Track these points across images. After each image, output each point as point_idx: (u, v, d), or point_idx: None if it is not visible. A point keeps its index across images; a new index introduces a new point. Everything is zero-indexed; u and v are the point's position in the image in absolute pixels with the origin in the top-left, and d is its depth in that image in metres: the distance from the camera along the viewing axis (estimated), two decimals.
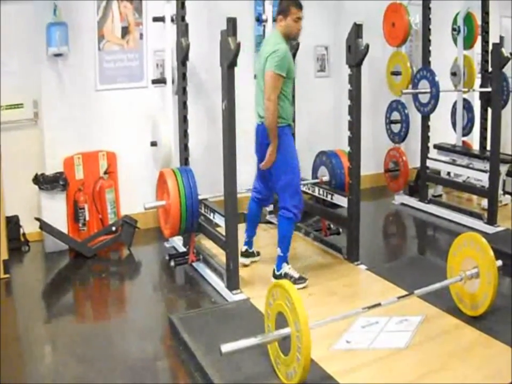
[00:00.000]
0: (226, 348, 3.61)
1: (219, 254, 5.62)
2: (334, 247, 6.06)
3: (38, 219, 6.30)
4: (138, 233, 6.64)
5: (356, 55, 5.37)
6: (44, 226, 6.28)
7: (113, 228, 6.53)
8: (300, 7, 5.15)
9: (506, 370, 3.80)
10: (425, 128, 7.69)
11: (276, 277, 5.21)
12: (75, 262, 6.26)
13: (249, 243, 5.79)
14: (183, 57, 6.13)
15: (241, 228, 5.49)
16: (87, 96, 6.69)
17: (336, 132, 7.89)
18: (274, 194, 5.69)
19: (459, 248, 4.56)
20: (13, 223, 6.43)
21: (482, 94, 7.92)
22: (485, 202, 7.18)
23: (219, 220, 5.46)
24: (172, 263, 5.83)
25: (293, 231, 5.36)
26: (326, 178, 6.44)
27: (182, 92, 6.22)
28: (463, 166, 7.68)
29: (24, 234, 6.55)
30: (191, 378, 4.03)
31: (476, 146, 8.46)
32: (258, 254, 5.86)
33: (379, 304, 4.16)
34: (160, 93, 6.86)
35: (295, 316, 3.56)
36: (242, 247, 5.66)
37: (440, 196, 8.28)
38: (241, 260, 5.54)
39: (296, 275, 5.22)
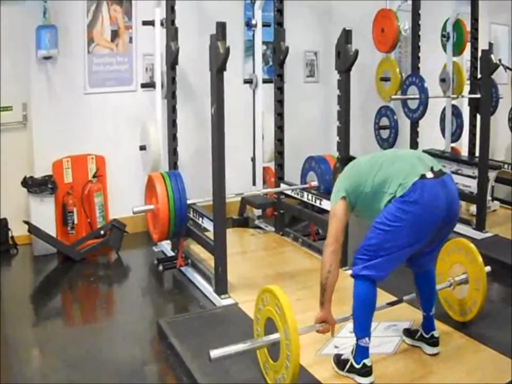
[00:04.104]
0: (215, 353, 3.60)
1: (207, 259, 5.61)
2: (322, 252, 6.04)
3: (26, 222, 6.28)
4: (127, 237, 6.61)
5: (345, 60, 5.38)
6: (33, 229, 6.26)
7: (102, 232, 6.52)
8: None
9: (495, 375, 3.81)
10: (414, 134, 7.69)
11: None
12: (63, 266, 6.24)
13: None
14: (172, 61, 6.13)
15: (229, 233, 5.48)
16: (76, 100, 6.69)
17: (325, 137, 7.88)
18: None
19: (448, 254, 4.56)
20: (1, 226, 6.43)
21: (471, 100, 7.94)
22: (473, 208, 7.18)
23: (207, 225, 5.45)
24: (160, 267, 5.83)
25: None
26: (314, 183, 6.44)
27: (171, 96, 6.22)
28: (452, 172, 7.68)
29: (12, 237, 6.53)
30: (179, 382, 4.01)
31: (464, 152, 8.47)
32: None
33: None
34: (149, 97, 6.84)
35: (284, 323, 3.53)
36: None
37: None
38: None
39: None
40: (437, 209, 3.61)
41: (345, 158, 4.27)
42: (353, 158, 4.14)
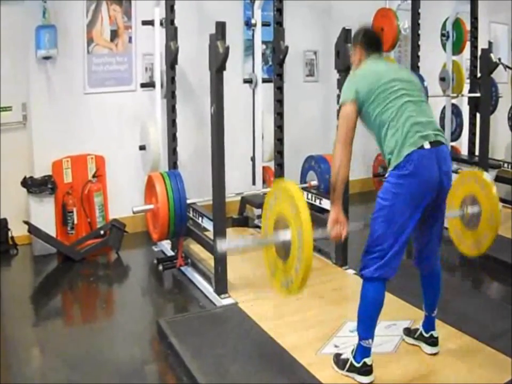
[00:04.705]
0: (223, 246, 3.54)
1: (207, 258, 5.62)
2: (322, 251, 6.05)
3: (26, 222, 6.28)
4: (127, 237, 6.61)
5: (344, 60, 5.38)
6: (32, 229, 6.26)
7: (102, 232, 6.51)
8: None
9: (495, 374, 3.81)
10: None
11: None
12: (63, 266, 6.24)
13: None
14: (172, 61, 6.12)
15: (229, 233, 5.48)
16: (75, 99, 6.68)
17: (325, 136, 7.88)
18: None
19: (462, 183, 4.44)
20: (1, 226, 6.42)
21: (471, 99, 7.94)
22: None
23: (207, 224, 5.46)
24: (160, 267, 5.82)
25: None
26: (314, 182, 6.45)
27: (170, 95, 6.21)
28: (452, 171, 7.68)
29: (12, 237, 6.53)
30: (179, 382, 4.01)
31: (464, 151, 8.48)
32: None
33: None
34: (149, 97, 6.84)
35: (298, 222, 3.40)
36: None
37: None
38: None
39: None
40: (431, 178, 3.62)
41: None
42: None
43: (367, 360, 3.73)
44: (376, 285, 3.71)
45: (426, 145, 3.60)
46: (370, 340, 3.72)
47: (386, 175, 3.72)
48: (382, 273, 3.68)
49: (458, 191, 4.40)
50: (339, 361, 3.89)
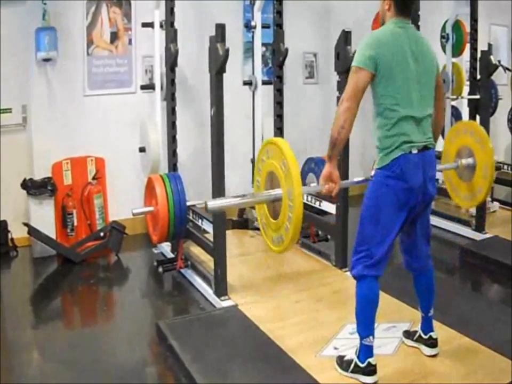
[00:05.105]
0: (212, 204, 3.57)
1: (207, 260, 5.61)
2: (322, 253, 6.06)
3: (26, 224, 6.29)
4: (127, 239, 6.62)
5: (344, 62, 5.37)
6: (32, 231, 6.26)
7: (102, 234, 6.51)
8: None
9: (495, 376, 3.81)
10: None
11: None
12: (63, 268, 6.24)
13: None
14: (171, 63, 6.12)
15: (229, 235, 5.48)
16: (75, 102, 6.69)
17: (325, 138, 7.75)
18: None
19: (457, 134, 4.40)
20: (1, 228, 6.41)
21: (470, 101, 7.92)
22: (473, 209, 7.19)
23: (207, 226, 5.46)
24: (160, 269, 5.82)
25: None
26: (314, 184, 6.45)
27: (170, 97, 6.21)
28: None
29: (12, 239, 6.52)
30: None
31: None
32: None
33: None
34: (149, 99, 6.84)
35: (288, 181, 3.45)
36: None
37: None
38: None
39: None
40: (416, 183, 3.64)
41: None
42: None
43: (371, 360, 3.74)
44: (368, 282, 3.73)
45: (414, 150, 3.64)
46: (371, 337, 3.73)
47: (372, 173, 3.76)
48: (370, 271, 3.71)
49: (453, 141, 4.37)
50: (343, 363, 3.89)
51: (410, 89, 3.66)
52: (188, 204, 5.70)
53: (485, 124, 6.76)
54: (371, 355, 3.75)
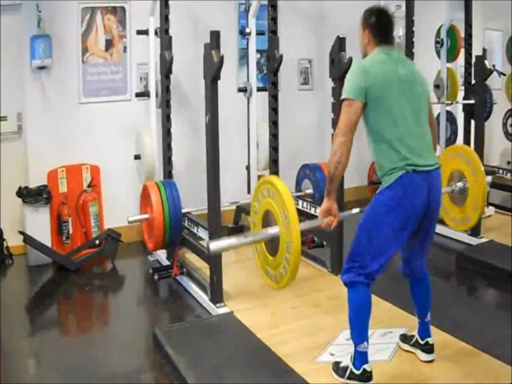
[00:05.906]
0: (214, 245, 3.59)
1: (203, 268, 5.61)
2: (317, 259, 6.06)
3: (21, 232, 6.28)
4: (122, 246, 6.61)
5: (339, 68, 5.39)
6: (28, 239, 6.25)
7: (97, 241, 6.51)
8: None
9: (492, 380, 3.82)
10: None
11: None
12: (59, 276, 6.24)
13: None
14: (166, 70, 6.13)
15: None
16: (70, 109, 6.69)
17: (320, 145, 7.89)
18: None
19: (446, 160, 4.41)
20: None
21: (465, 106, 7.93)
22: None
23: (203, 234, 5.45)
24: (156, 277, 5.81)
25: None
26: (309, 191, 6.46)
27: (165, 105, 6.22)
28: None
29: (7, 247, 6.51)
30: None
31: None
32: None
33: None
34: (144, 106, 6.84)
35: (285, 216, 3.48)
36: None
37: None
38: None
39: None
40: (419, 204, 3.63)
41: None
42: None
43: (366, 367, 3.72)
44: (360, 289, 3.73)
45: (417, 169, 3.61)
46: (365, 343, 3.72)
47: (378, 190, 3.74)
48: (362, 279, 3.71)
49: (448, 162, 4.38)
50: (339, 370, 3.88)
51: (404, 110, 3.67)
52: (183, 211, 5.71)
53: (480, 128, 6.79)
54: (366, 361, 3.74)
